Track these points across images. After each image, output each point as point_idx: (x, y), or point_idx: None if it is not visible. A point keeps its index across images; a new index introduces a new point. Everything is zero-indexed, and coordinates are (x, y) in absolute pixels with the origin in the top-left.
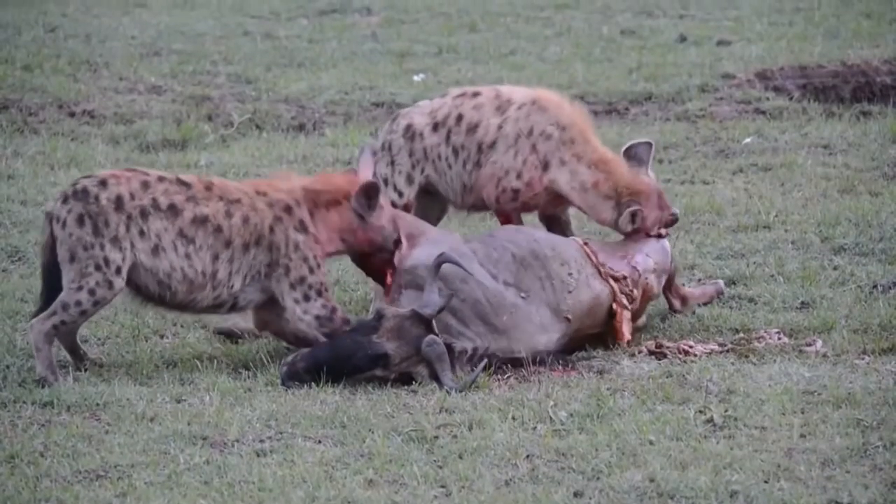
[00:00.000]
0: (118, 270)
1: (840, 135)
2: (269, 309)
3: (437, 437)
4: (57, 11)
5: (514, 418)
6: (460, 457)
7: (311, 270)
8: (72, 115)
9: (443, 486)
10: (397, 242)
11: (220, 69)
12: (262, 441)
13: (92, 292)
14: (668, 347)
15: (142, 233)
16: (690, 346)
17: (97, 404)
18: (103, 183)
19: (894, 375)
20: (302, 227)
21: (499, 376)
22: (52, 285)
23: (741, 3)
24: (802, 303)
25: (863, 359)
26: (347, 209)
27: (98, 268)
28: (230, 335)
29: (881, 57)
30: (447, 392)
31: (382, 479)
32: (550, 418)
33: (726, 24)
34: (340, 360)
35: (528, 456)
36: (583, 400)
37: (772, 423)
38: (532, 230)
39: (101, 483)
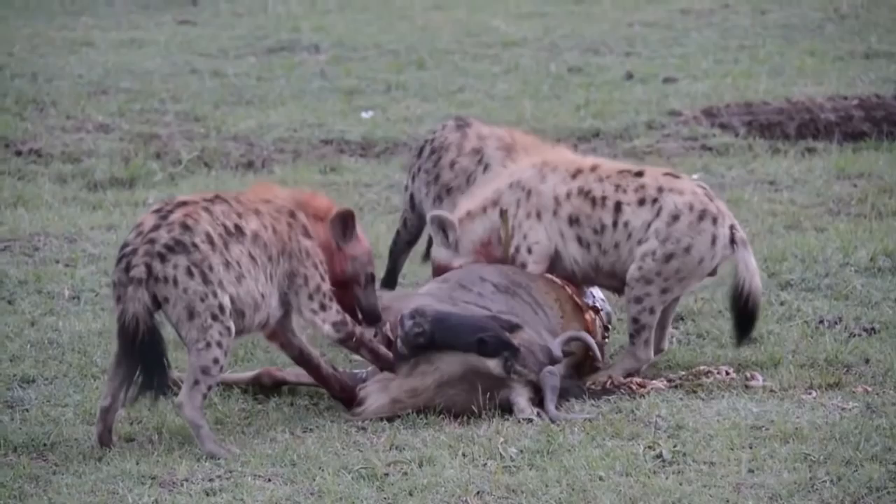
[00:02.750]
0: (230, 314)
1: (785, 171)
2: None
3: (387, 475)
4: (3, 51)
5: (464, 455)
6: (410, 494)
7: (323, 277)
8: (18, 154)
9: None
10: (370, 278)
11: (168, 107)
12: (211, 480)
13: (220, 344)
14: (614, 384)
15: (227, 264)
16: (640, 385)
17: (44, 444)
18: (185, 227)
19: (841, 410)
20: (306, 233)
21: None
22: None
23: (687, 41)
24: (750, 338)
25: (810, 394)
26: (327, 229)
27: (215, 317)
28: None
29: (825, 94)
30: (552, 422)
31: None
32: (500, 455)
33: (672, 62)
34: (470, 328)
35: (478, 492)
36: (532, 436)
37: (720, 459)
38: (496, 265)
39: None
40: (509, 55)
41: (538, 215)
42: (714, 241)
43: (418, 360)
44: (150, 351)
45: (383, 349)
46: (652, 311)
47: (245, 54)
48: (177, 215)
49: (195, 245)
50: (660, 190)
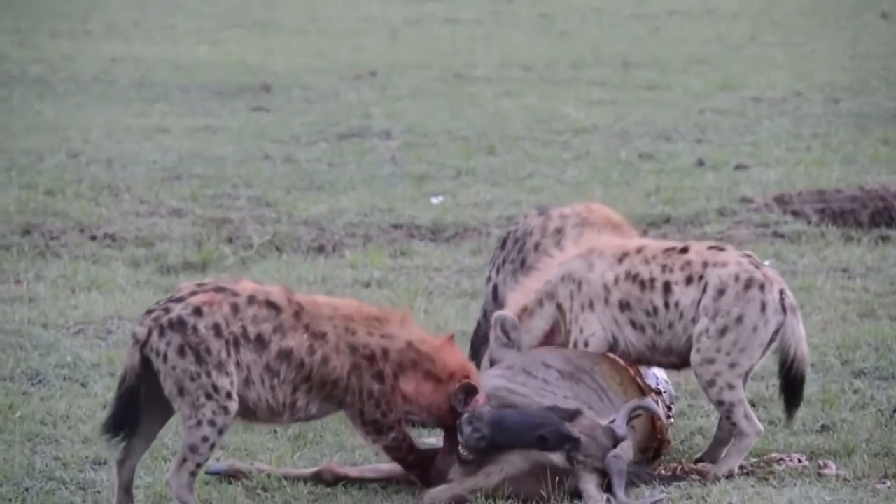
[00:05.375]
0: (228, 395)
1: (859, 259)
2: None
3: None
4: (80, 137)
5: None
6: None
7: (385, 414)
8: (93, 238)
9: None
10: None
11: (240, 192)
12: None
13: (212, 423)
14: (685, 470)
15: (237, 362)
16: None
17: None
18: (198, 311)
19: None
20: (379, 378)
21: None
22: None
23: (759, 129)
24: (823, 426)
25: (884, 483)
26: (444, 391)
27: (209, 396)
28: (227, 475)
29: None
30: None
31: None
32: None
33: (744, 149)
34: (528, 427)
35: None
36: None
37: None
38: (558, 348)
39: None
40: (579, 142)
41: (591, 305)
42: (764, 307)
43: (483, 460)
44: (121, 406)
45: (433, 474)
46: (731, 386)
47: (317, 140)
48: (200, 298)
49: (195, 329)
50: (704, 265)
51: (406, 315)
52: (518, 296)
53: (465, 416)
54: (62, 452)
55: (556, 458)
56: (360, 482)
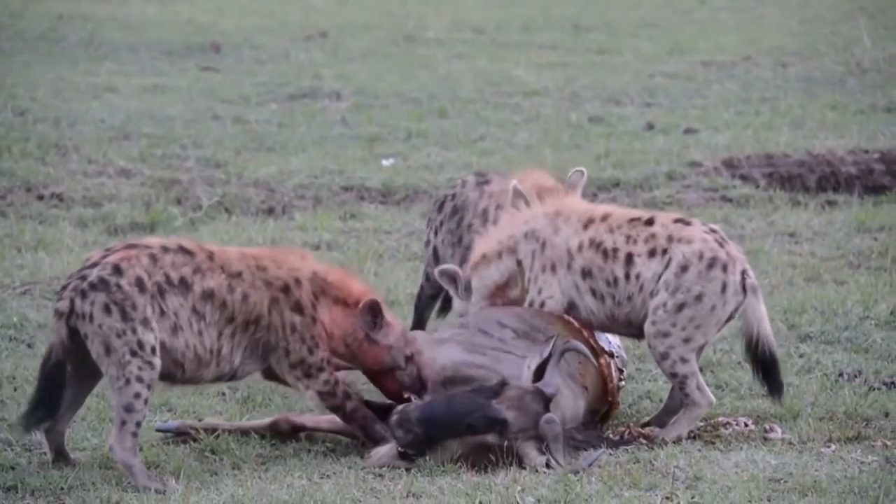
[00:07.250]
0: (153, 350)
1: (806, 223)
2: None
3: None
4: (27, 95)
5: (481, 503)
6: None
7: (311, 350)
8: (40, 198)
9: None
10: (409, 359)
11: (189, 153)
12: None
13: (140, 379)
14: (632, 434)
15: (161, 311)
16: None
17: (61, 488)
18: (117, 269)
19: (860, 464)
20: (298, 308)
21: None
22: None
23: (708, 93)
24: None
25: (829, 447)
26: (353, 316)
27: (134, 353)
28: (177, 434)
29: (846, 147)
30: (568, 473)
31: None
32: (518, 503)
33: (693, 113)
34: (456, 417)
35: None
36: (550, 485)
37: None
38: (512, 307)
39: None
40: (530, 104)
41: (552, 268)
42: (724, 288)
43: (421, 451)
44: (49, 383)
45: (376, 428)
46: (684, 360)
47: (267, 101)
48: (116, 256)
49: (118, 286)
50: (669, 239)
51: (304, 252)
52: (482, 243)
53: (395, 418)
54: (8, 413)
55: (490, 438)
56: (316, 432)
